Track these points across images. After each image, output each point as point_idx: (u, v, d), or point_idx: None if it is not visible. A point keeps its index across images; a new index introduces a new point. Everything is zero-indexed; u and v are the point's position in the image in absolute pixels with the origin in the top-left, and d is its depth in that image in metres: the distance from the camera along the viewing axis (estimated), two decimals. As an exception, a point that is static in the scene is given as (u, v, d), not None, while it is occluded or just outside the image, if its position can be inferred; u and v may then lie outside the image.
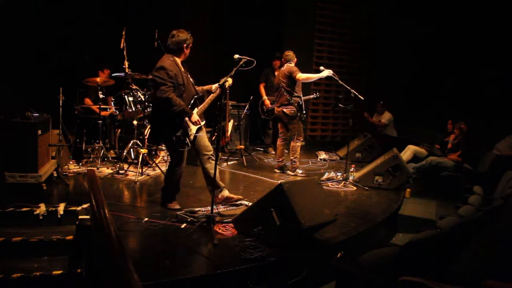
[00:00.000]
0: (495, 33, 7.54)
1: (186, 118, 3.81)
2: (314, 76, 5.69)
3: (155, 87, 3.76)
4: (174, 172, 4.04)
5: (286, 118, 5.79)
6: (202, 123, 3.98)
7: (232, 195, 4.18)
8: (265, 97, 7.09)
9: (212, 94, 4.03)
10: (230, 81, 3.88)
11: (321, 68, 5.98)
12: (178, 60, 3.88)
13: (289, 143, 5.98)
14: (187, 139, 3.84)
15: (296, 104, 5.66)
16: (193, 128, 3.90)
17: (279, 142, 6.09)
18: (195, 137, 3.95)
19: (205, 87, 4.13)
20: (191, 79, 3.99)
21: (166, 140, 3.96)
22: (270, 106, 6.79)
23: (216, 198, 4.02)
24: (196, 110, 3.94)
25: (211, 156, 4.01)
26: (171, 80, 3.71)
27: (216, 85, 3.97)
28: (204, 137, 4.04)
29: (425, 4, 8.90)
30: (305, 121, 9.17)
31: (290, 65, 5.69)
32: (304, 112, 5.80)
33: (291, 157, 5.90)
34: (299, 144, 5.83)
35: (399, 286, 1.98)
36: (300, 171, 5.93)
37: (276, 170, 6.11)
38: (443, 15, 8.61)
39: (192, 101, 3.92)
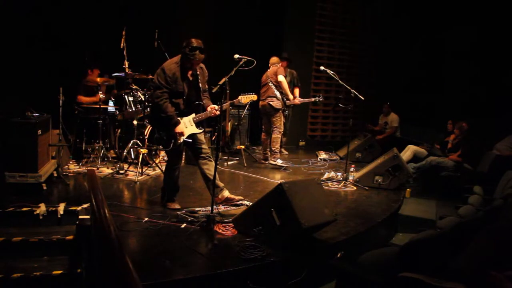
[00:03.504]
0: (494, 29, 7.55)
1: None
2: (285, 87, 6.32)
3: (153, 87, 3.79)
4: (171, 171, 4.05)
5: (271, 110, 6.28)
6: (199, 130, 3.98)
7: (233, 196, 4.17)
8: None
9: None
10: (254, 97, 4.28)
11: (321, 68, 6.05)
12: (184, 66, 3.82)
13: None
14: (172, 141, 3.84)
15: (282, 99, 6.27)
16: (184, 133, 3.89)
17: (263, 136, 6.69)
18: (193, 139, 3.94)
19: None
20: (200, 86, 3.95)
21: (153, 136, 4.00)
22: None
23: (216, 199, 4.02)
24: (193, 115, 3.95)
25: (207, 158, 4.00)
26: (168, 86, 3.72)
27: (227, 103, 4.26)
28: (200, 139, 4.03)
29: (424, 3, 8.91)
30: (306, 121, 9.20)
31: (277, 67, 6.39)
32: (286, 109, 6.43)
33: (273, 148, 6.38)
34: (279, 136, 6.36)
35: (399, 282, 1.98)
36: (280, 161, 6.35)
37: (263, 161, 6.68)
38: (443, 14, 8.62)
39: (189, 107, 3.93)
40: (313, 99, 7.26)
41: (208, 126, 6.27)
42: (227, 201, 4.14)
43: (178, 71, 3.78)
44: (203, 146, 4.02)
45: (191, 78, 3.90)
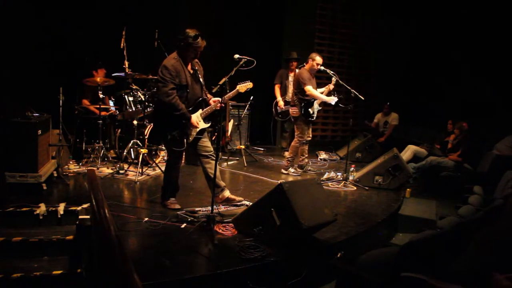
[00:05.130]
0: (493, 31, 7.54)
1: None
2: (320, 97, 5.68)
3: (157, 86, 3.77)
4: (171, 170, 4.04)
5: (292, 118, 5.96)
6: (207, 125, 3.97)
7: (233, 196, 4.17)
8: (279, 98, 7.11)
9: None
10: (250, 85, 4.09)
11: (321, 68, 5.99)
12: (185, 60, 3.82)
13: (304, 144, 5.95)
14: (184, 139, 3.83)
15: (300, 106, 5.68)
16: (194, 130, 3.90)
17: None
18: (195, 138, 3.95)
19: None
20: (201, 80, 3.96)
21: (163, 138, 3.95)
22: (283, 107, 6.92)
23: (217, 198, 4.01)
24: (200, 111, 3.94)
25: (210, 156, 4.00)
26: (173, 80, 3.70)
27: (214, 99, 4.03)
28: (204, 137, 4.03)
29: (424, 3, 8.91)
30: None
31: (303, 69, 5.71)
32: (313, 114, 5.76)
33: (287, 155, 6.01)
34: (297, 145, 5.87)
35: (401, 282, 1.98)
36: (292, 170, 5.95)
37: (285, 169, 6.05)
38: (443, 14, 8.62)
39: (196, 103, 3.91)
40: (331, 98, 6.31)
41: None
42: (228, 201, 4.14)
43: (179, 65, 3.77)
44: (207, 145, 4.03)
45: (191, 72, 3.91)
